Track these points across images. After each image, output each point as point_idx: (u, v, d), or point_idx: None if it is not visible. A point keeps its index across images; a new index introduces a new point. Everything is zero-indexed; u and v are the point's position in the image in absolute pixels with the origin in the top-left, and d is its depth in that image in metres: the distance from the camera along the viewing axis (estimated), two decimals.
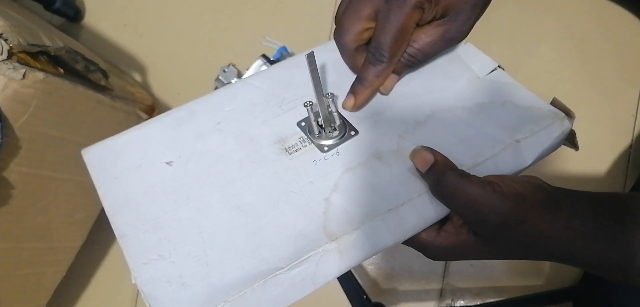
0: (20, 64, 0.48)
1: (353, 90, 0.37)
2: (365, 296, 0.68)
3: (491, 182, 0.30)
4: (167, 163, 0.35)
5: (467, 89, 0.38)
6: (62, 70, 0.56)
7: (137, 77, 0.84)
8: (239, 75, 0.77)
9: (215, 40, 0.84)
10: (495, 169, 0.33)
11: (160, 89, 0.84)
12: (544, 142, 0.35)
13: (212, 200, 0.32)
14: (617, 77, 0.78)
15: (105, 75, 0.65)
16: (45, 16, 0.82)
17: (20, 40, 0.48)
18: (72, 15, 0.83)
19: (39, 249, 0.64)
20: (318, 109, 0.35)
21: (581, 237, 0.29)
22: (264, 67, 0.74)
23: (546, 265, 0.77)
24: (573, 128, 0.36)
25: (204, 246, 0.30)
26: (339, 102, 0.38)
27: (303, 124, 0.37)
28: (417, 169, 0.32)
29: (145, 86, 0.83)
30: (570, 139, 0.36)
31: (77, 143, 0.61)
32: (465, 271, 0.77)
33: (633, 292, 0.54)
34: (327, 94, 0.35)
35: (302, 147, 0.35)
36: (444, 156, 0.32)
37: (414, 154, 0.32)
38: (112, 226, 0.32)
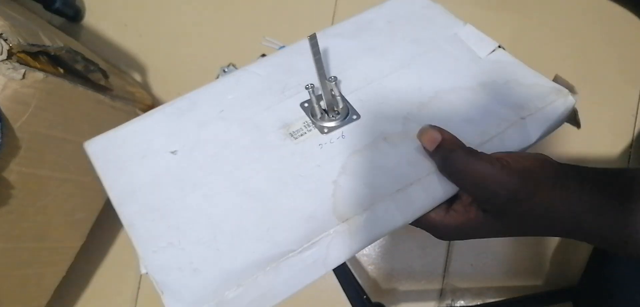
0: (20, 63, 0.48)
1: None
2: (365, 296, 0.68)
3: (499, 159, 0.30)
4: (171, 152, 0.35)
5: (470, 70, 0.38)
6: (62, 70, 0.56)
7: (137, 77, 0.84)
8: None
9: (215, 40, 0.84)
10: (502, 146, 0.34)
11: (160, 89, 0.84)
12: (548, 119, 0.35)
13: (219, 186, 0.32)
14: (617, 77, 0.78)
15: (105, 75, 0.65)
16: (45, 16, 0.82)
17: (20, 40, 0.48)
18: (72, 15, 0.83)
19: (39, 249, 0.63)
20: (321, 92, 0.35)
21: (590, 211, 0.29)
22: None
23: (546, 264, 0.77)
24: (576, 106, 0.36)
25: (213, 232, 0.30)
26: (342, 86, 0.38)
27: (306, 105, 0.36)
28: (424, 148, 0.32)
29: (145, 86, 0.83)
30: (572, 117, 0.36)
31: (77, 143, 0.60)
32: (466, 270, 0.77)
33: (634, 291, 0.53)
34: (330, 77, 0.35)
35: (307, 132, 0.35)
36: (451, 134, 0.32)
37: (421, 133, 0.32)
38: (119, 216, 0.32)
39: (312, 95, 0.35)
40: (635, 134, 0.77)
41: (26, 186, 0.55)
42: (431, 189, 0.32)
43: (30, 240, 0.61)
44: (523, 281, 0.77)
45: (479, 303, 0.75)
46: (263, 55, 0.75)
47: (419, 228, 0.35)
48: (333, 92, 0.35)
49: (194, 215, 0.31)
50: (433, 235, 0.34)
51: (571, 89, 0.36)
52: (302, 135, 0.35)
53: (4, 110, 0.47)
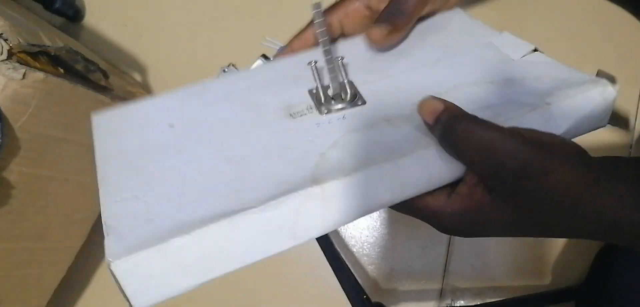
0: (20, 64, 0.48)
1: (389, 20, 0.33)
2: (365, 296, 0.68)
3: (510, 128, 0.26)
4: (169, 125, 0.34)
5: (498, 68, 0.35)
6: (62, 70, 0.56)
7: (137, 77, 0.84)
8: None
9: (215, 40, 0.84)
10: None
11: (160, 89, 0.84)
12: (580, 108, 0.30)
13: (203, 153, 0.31)
14: (617, 77, 0.78)
15: (105, 75, 0.65)
16: (45, 16, 0.82)
17: (20, 40, 0.48)
18: (72, 15, 0.83)
19: (39, 249, 0.63)
20: (325, 68, 0.33)
21: (631, 205, 0.24)
22: None
23: (547, 264, 0.77)
24: (622, 108, 0.32)
25: (182, 190, 0.28)
26: (355, 78, 0.35)
27: (314, 91, 0.35)
28: (425, 123, 0.28)
29: (145, 86, 0.83)
30: (617, 117, 0.33)
31: (77, 143, 0.60)
32: (466, 270, 0.77)
33: (636, 291, 0.53)
34: (337, 57, 0.33)
35: (307, 113, 0.33)
36: (454, 103, 0.27)
37: (421, 106, 0.28)
38: (97, 175, 0.31)
39: (314, 72, 0.33)
40: (635, 134, 0.77)
41: (26, 186, 0.55)
42: (427, 164, 0.28)
43: (30, 240, 0.61)
44: (523, 281, 0.77)
45: (479, 303, 0.75)
46: (263, 55, 0.75)
47: (418, 219, 0.31)
48: (339, 74, 0.33)
49: (169, 175, 0.30)
50: (433, 225, 0.30)
51: (612, 80, 0.31)
52: (301, 115, 0.33)
53: (4, 111, 0.47)
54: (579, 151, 0.26)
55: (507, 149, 0.24)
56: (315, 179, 0.27)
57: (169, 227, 0.25)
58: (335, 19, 0.37)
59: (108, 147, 0.33)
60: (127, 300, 0.25)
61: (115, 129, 0.35)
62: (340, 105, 0.33)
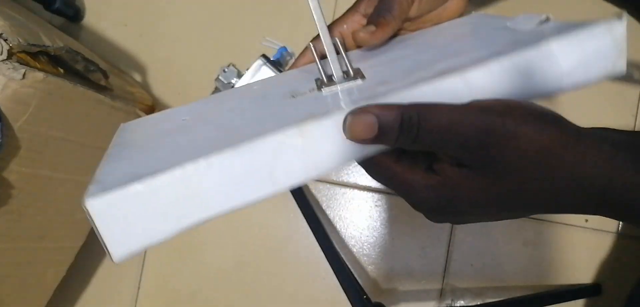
0: (20, 63, 0.48)
1: (373, 20, 0.32)
2: (365, 296, 0.68)
3: (468, 102, 0.24)
4: (183, 120, 0.34)
5: (505, 36, 0.32)
6: (62, 70, 0.56)
7: (137, 77, 0.84)
8: (239, 75, 0.77)
9: (215, 40, 0.84)
10: (512, 67, 0.26)
11: (160, 89, 0.84)
12: (584, 45, 0.27)
13: (203, 129, 0.30)
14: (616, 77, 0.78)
15: (105, 75, 0.65)
16: (45, 16, 0.82)
17: (20, 40, 0.48)
18: (72, 15, 0.83)
19: (39, 249, 0.64)
20: (325, 50, 0.32)
21: (618, 165, 0.22)
22: (264, 67, 0.74)
23: (546, 264, 0.77)
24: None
25: (171, 151, 0.28)
26: (361, 64, 0.34)
27: (318, 79, 0.34)
28: (360, 142, 0.25)
29: (145, 86, 0.83)
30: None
31: (77, 143, 0.61)
32: (465, 270, 0.77)
33: None
34: (336, 39, 0.32)
35: (309, 94, 0.32)
36: (389, 105, 0.25)
37: (350, 127, 0.25)
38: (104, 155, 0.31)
39: (313, 53, 0.32)
40: None
41: (26, 186, 0.55)
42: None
43: (31, 240, 0.61)
44: (523, 281, 0.77)
45: (478, 303, 0.75)
46: (263, 55, 0.75)
47: (393, 192, 0.29)
48: (336, 54, 0.32)
49: (165, 144, 0.29)
50: (407, 199, 0.28)
51: (619, 15, 0.28)
52: (303, 95, 0.32)
53: (4, 110, 0.47)
54: (550, 113, 0.24)
55: (467, 121, 0.23)
56: (295, 123, 0.26)
57: (147, 172, 0.25)
58: (337, 32, 0.37)
59: (121, 138, 0.33)
60: (105, 248, 0.24)
61: (134, 128, 0.35)
62: (340, 83, 0.32)
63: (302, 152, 0.26)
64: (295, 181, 0.26)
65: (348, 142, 0.26)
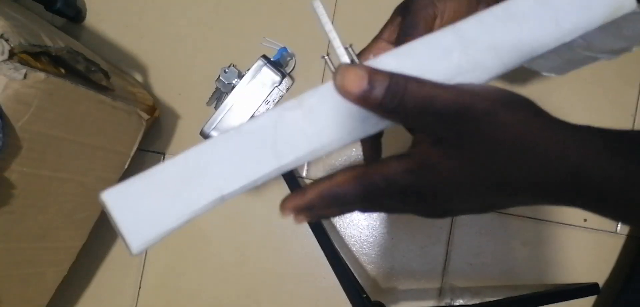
0: (22, 64, 0.48)
1: (404, 41, 0.30)
2: (365, 295, 0.68)
3: (450, 84, 0.25)
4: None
5: None
6: (63, 71, 0.57)
7: (138, 77, 0.84)
8: (240, 76, 0.77)
9: (216, 41, 0.84)
10: (506, 17, 0.25)
11: (161, 90, 0.84)
12: (590, 7, 0.25)
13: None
14: (616, 77, 0.78)
15: (106, 75, 0.65)
16: (46, 17, 0.82)
17: (22, 41, 0.48)
18: (73, 16, 0.84)
19: (40, 249, 0.64)
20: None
21: (594, 153, 0.22)
22: (265, 68, 0.74)
23: (545, 263, 0.77)
24: None
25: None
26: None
27: None
28: (345, 95, 0.26)
29: (146, 87, 0.84)
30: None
31: (78, 143, 0.61)
32: (465, 269, 0.77)
33: None
34: (346, 46, 0.32)
35: None
36: (377, 70, 0.25)
37: (341, 77, 0.25)
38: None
39: (329, 63, 0.31)
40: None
41: (27, 186, 0.55)
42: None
43: (31, 240, 0.61)
44: (522, 280, 0.77)
45: (477, 302, 0.75)
46: (263, 56, 0.76)
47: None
48: (348, 57, 0.31)
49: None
50: (387, 189, 0.27)
51: None
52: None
53: (5, 111, 0.48)
54: (527, 99, 0.25)
55: (447, 96, 0.24)
56: (295, 98, 0.26)
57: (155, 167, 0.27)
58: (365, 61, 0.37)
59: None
60: (123, 238, 0.26)
61: None
62: None
63: (302, 121, 0.26)
64: (299, 153, 0.26)
65: (345, 109, 0.26)
